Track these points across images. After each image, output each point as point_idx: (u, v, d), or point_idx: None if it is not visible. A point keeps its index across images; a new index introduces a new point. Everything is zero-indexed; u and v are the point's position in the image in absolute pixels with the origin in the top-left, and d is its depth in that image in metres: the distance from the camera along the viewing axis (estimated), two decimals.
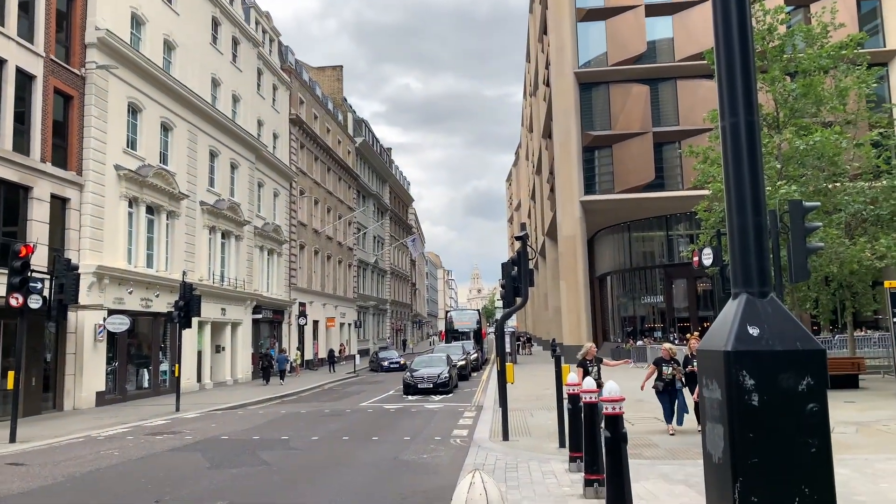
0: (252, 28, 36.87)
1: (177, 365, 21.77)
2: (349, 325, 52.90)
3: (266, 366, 31.46)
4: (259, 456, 11.77)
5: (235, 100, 34.18)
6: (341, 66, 61.57)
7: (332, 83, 59.48)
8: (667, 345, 13.19)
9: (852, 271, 18.86)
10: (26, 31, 20.49)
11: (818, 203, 15.24)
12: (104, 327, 22.09)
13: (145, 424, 17.05)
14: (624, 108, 37.65)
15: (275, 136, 39.51)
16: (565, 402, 9.93)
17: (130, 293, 23.81)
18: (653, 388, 12.35)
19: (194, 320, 22.30)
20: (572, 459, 8.91)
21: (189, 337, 25.93)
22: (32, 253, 15.36)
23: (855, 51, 20.84)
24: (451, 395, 23.46)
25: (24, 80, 20.32)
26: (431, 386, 23.69)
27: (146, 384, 25.47)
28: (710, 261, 15.09)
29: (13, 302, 14.73)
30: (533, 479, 8.66)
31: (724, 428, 3.16)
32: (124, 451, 12.77)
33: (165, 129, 27.50)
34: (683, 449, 10.50)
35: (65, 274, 16.05)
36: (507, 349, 22.97)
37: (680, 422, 12.10)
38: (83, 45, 22.79)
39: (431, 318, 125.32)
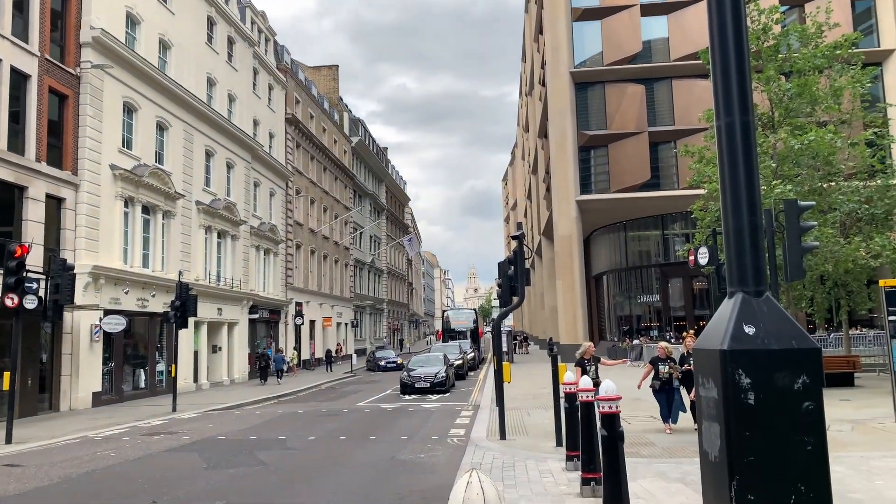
0: (248, 27, 36.81)
1: (173, 365, 21.73)
2: (346, 324, 52.87)
3: (263, 366, 31.43)
4: (256, 456, 11.76)
5: (231, 99, 34.13)
6: (337, 66, 61.53)
7: (328, 83, 59.42)
8: (663, 343, 13.22)
9: (847, 270, 18.94)
10: (21, 30, 20.42)
11: (813, 202, 15.34)
12: (100, 327, 22.04)
13: (142, 425, 17.02)
14: (619, 107, 37.73)
15: (271, 136, 39.46)
16: (562, 400, 9.95)
17: (126, 293, 23.76)
18: (650, 386, 12.38)
19: (190, 320, 22.25)
20: (569, 458, 8.93)
21: (185, 337, 25.89)
22: (28, 253, 15.33)
23: (849, 50, 20.91)
24: (448, 394, 23.48)
25: (19, 79, 20.25)
26: (428, 385, 23.71)
27: (142, 384, 25.42)
28: (706, 260, 15.16)
29: (8, 302, 14.68)
30: (530, 478, 8.68)
31: (720, 426, 3.18)
32: (121, 451, 12.75)
33: (161, 128, 27.44)
34: (680, 447, 10.53)
35: (60, 274, 16.01)
36: (504, 348, 23.00)
37: (675, 419, 12.13)
38: (78, 44, 22.72)
39: (428, 318, 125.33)
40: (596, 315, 45.52)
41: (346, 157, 55.47)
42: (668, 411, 12.15)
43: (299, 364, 39.46)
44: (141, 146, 25.64)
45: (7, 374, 14.84)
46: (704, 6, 3.71)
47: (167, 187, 26.61)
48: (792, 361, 3.15)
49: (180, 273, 23.07)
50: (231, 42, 34.47)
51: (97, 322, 22.01)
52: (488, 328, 60.45)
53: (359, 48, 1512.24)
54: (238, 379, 32.83)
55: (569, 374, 9.71)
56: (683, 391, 12.24)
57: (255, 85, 37.48)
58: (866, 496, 7.22)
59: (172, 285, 22.71)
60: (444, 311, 59.99)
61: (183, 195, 27.99)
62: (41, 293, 17.85)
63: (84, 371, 21.70)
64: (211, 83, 31.96)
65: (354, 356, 42.69)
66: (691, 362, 11.08)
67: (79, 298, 20.60)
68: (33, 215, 20.21)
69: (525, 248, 12.76)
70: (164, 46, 27.99)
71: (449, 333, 47.41)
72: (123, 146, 24.60)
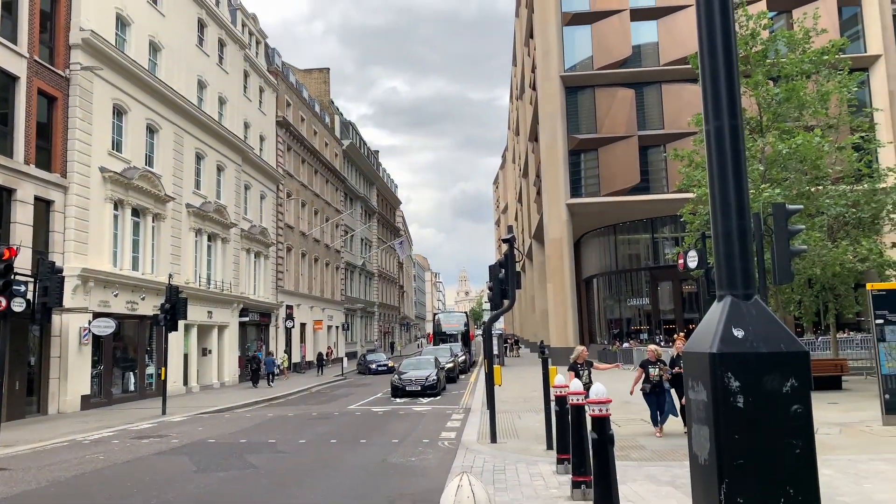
0: (238, 30, 36.72)
1: (163, 368, 21.59)
2: (337, 327, 52.74)
3: (255, 369, 31.32)
4: (246, 459, 11.72)
5: (222, 102, 34.02)
6: (328, 69, 61.43)
7: (319, 85, 59.34)
8: (652, 346, 13.27)
9: (835, 273, 19.08)
10: (9, 31, 20.29)
11: (801, 206, 15.43)
12: (89, 330, 21.89)
13: (131, 428, 16.92)
14: (609, 111, 37.90)
15: (261, 139, 39.36)
16: (553, 404, 9.97)
17: (116, 296, 23.62)
18: (640, 390, 12.41)
19: (180, 323, 22.12)
20: (560, 461, 8.95)
21: (175, 340, 25.74)
22: (16, 255, 15.21)
23: (836, 56, 21.10)
24: (439, 397, 23.47)
25: (8, 81, 20.12)
26: (419, 388, 23.69)
27: (132, 388, 25.25)
28: (695, 263, 15.23)
29: None
30: (521, 482, 8.69)
31: (709, 429, 3.20)
32: (110, 455, 12.67)
33: (151, 131, 27.32)
34: (670, 450, 10.57)
35: (49, 276, 15.90)
36: (495, 351, 23.02)
37: (663, 421, 12.17)
38: (67, 46, 22.59)
39: (419, 321, 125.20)
40: (586, 318, 45.65)
41: (337, 159, 55.40)
42: (658, 415, 12.19)
43: (290, 367, 39.33)
44: (131, 149, 25.51)
45: None
46: (693, 11, 3.74)
47: (157, 190, 26.48)
48: (780, 364, 3.17)
49: (170, 276, 22.96)
50: (222, 44, 34.38)
51: (86, 325, 21.86)
52: (479, 331, 60.46)
53: (350, 51, 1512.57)
54: (228, 382, 32.68)
55: (559, 377, 9.74)
56: (675, 394, 12.28)
57: (245, 87, 37.39)
58: (854, 499, 7.28)
59: (162, 288, 22.59)
60: (435, 315, 59.93)
61: (173, 198, 27.87)
62: (29, 296, 17.72)
63: (73, 374, 21.54)
64: (201, 85, 31.85)
65: (345, 359, 42.59)
66: (682, 364, 11.13)
67: (67, 301, 20.46)
68: (22, 218, 20.06)
69: (516, 252, 12.78)
70: (154, 48, 27.87)
71: (440, 336, 47.40)
72: (113, 148, 24.47)
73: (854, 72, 22.93)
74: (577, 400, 7.54)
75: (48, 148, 21.63)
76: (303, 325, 44.88)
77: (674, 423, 12.22)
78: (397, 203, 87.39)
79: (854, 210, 19.92)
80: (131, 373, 25.44)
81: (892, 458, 9.34)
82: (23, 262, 19.31)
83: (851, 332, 29.76)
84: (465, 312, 61.27)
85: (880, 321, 12.45)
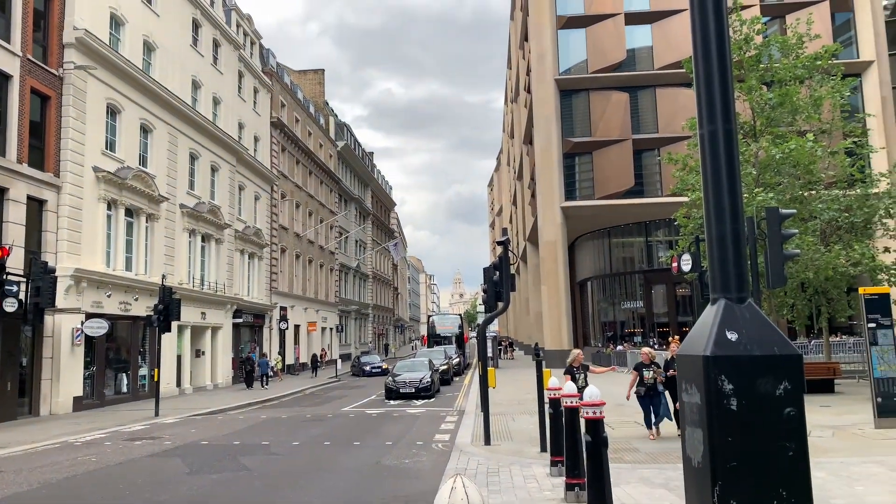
0: (233, 30, 36.67)
1: (156, 369, 21.49)
2: (331, 329, 52.65)
3: (249, 370, 31.23)
4: (240, 461, 11.68)
5: (216, 102, 33.96)
6: (323, 70, 61.39)
7: (314, 87, 59.30)
8: (646, 349, 13.29)
9: (827, 277, 19.17)
10: (3, 30, 20.21)
11: (794, 210, 15.49)
12: (82, 331, 21.78)
13: (124, 430, 16.84)
14: (604, 115, 38.01)
15: (256, 139, 39.30)
16: (546, 406, 9.98)
17: (109, 296, 23.52)
18: (634, 393, 12.43)
19: (174, 324, 22.06)
20: (553, 464, 8.96)
21: (168, 341, 25.65)
22: (8, 255, 15.16)
23: (829, 61, 21.23)
24: (433, 399, 23.46)
25: (1, 79, 20.03)
26: (413, 390, 23.67)
27: (125, 389, 25.14)
28: (689, 266, 15.27)
29: None
30: (514, 484, 8.70)
31: (703, 432, 3.21)
32: (102, 456, 12.61)
33: (145, 130, 27.24)
34: (664, 453, 10.60)
35: (41, 277, 15.86)
36: (489, 354, 23.03)
37: (657, 423, 12.18)
38: (61, 44, 22.51)
39: (414, 323, 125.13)
40: (580, 321, 45.74)
41: (331, 161, 55.35)
42: (652, 418, 12.21)
43: (283, 369, 39.24)
44: (124, 148, 25.43)
45: None
46: (688, 16, 3.76)
47: (151, 190, 26.40)
48: (774, 367, 3.19)
49: (164, 276, 22.88)
50: (216, 45, 34.32)
51: (79, 325, 21.75)
52: (473, 333, 60.45)
53: (345, 52, 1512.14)
54: (222, 384, 32.57)
55: (553, 379, 9.75)
56: (669, 398, 12.29)
57: (240, 88, 37.33)
58: (847, 501, 7.31)
59: (156, 289, 22.50)
60: (429, 317, 59.88)
61: (167, 198, 27.78)
62: (21, 296, 17.66)
63: (65, 375, 21.43)
64: (196, 86, 31.78)
65: (339, 361, 42.50)
66: (676, 367, 11.15)
67: (60, 301, 20.40)
68: (14, 217, 19.96)
69: (510, 254, 12.80)
70: (148, 48, 27.80)
71: (434, 339, 47.32)
72: (107, 148, 24.39)
73: (847, 77, 23.08)
74: (571, 402, 7.55)
75: (41, 147, 21.54)
76: (297, 327, 44.79)
77: (668, 426, 12.25)
78: (392, 205, 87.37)
79: (847, 215, 20.03)
80: (124, 374, 25.33)
81: (885, 461, 9.38)
82: (15, 262, 19.23)
83: (844, 336, 29.92)
84: (460, 315, 61.21)
85: (872, 325, 12.53)
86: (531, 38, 39.99)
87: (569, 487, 7.46)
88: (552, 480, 8.66)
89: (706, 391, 3.19)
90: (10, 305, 14.83)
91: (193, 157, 31.17)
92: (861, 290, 13.00)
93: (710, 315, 3.41)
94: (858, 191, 20.66)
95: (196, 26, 32.10)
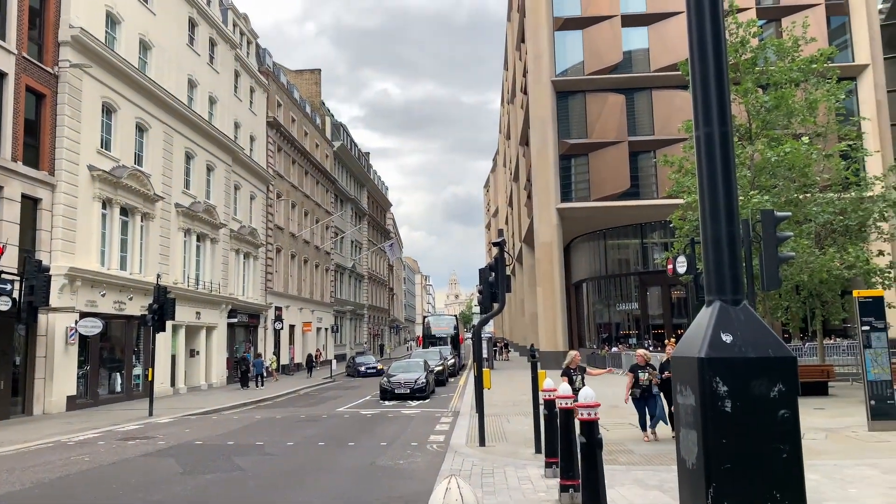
0: (230, 30, 36.60)
1: (150, 369, 21.42)
2: (326, 329, 52.57)
3: (244, 370, 31.16)
4: (234, 461, 11.65)
5: (212, 101, 33.89)
6: (319, 70, 61.34)
7: (311, 87, 59.24)
8: (641, 351, 13.30)
9: (822, 280, 19.23)
10: None
11: (789, 213, 15.56)
12: (76, 330, 21.70)
13: (117, 429, 16.78)
14: (600, 116, 38.07)
15: (252, 139, 39.23)
16: (541, 407, 9.99)
17: (103, 296, 23.44)
18: (630, 395, 12.43)
19: (168, 324, 21.99)
20: (548, 465, 8.96)
21: (163, 341, 25.57)
22: (2, 254, 15.09)
23: (825, 65, 21.31)
24: (428, 400, 23.44)
25: None
26: (408, 391, 23.64)
27: (119, 388, 25.05)
28: (684, 269, 15.32)
29: None
30: (509, 485, 8.70)
31: (697, 434, 3.22)
32: (95, 456, 12.56)
33: (140, 129, 27.16)
34: (658, 455, 10.61)
35: (35, 275, 15.79)
36: (485, 355, 23.03)
37: (654, 426, 12.19)
38: (56, 43, 22.43)
39: (409, 324, 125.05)
40: (575, 322, 45.77)
41: (327, 161, 55.30)
42: (648, 420, 12.21)
43: (278, 369, 39.18)
44: (120, 147, 25.35)
45: None
46: (684, 18, 3.77)
47: (146, 189, 26.32)
48: (768, 369, 3.20)
49: (158, 276, 22.79)
50: (213, 44, 34.26)
51: (73, 325, 21.67)
52: (469, 334, 60.45)
53: (341, 53, 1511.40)
54: (216, 383, 32.49)
55: (548, 380, 9.75)
56: (665, 400, 12.28)
57: (236, 87, 37.26)
58: None
59: (150, 288, 22.44)
60: (424, 317, 59.89)
61: (162, 197, 27.71)
62: (15, 294, 17.58)
63: (59, 374, 21.34)
64: (192, 85, 31.72)
65: (334, 361, 42.45)
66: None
67: (54, 300, 20.31)
68: (8, 215, 19.87)
69: (506, 255, 12.80)
70: (144, 47, 27.73)
71: (429, 339, 47.34)
72: (102, 147, 24.31)
73: (842, 81, 23.16)
74: (566, 404, 7.56)
75: (36, 145, 21.46)
76: (292, 327, 44.72)
77: (663, 428, 12.25)
78: (388, 205, 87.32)
79: (841, 218, 20.09)
80: (118, 373, 25.24)
81: (878, 464, 9.41)
82: (9, 261, 19.16)
83: (838, 339, 30.02)
84: (455, 315, 61.27)
85: (866, 328, 12.57)
86: (528, 39, 40.03)
87: (563, 489, 7.46)
88: (547, 482, 8.66)
89: (701, 393, 3.19)
90: (4, 304, 14.78)
91: (189, 157, 31.10)
92: (855, 293, 13.04)
93: (705, 317, 3.42)
94: (853, 194, 20.74)
95: (192, 25, 32.04)
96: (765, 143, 19.94)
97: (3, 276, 15.57)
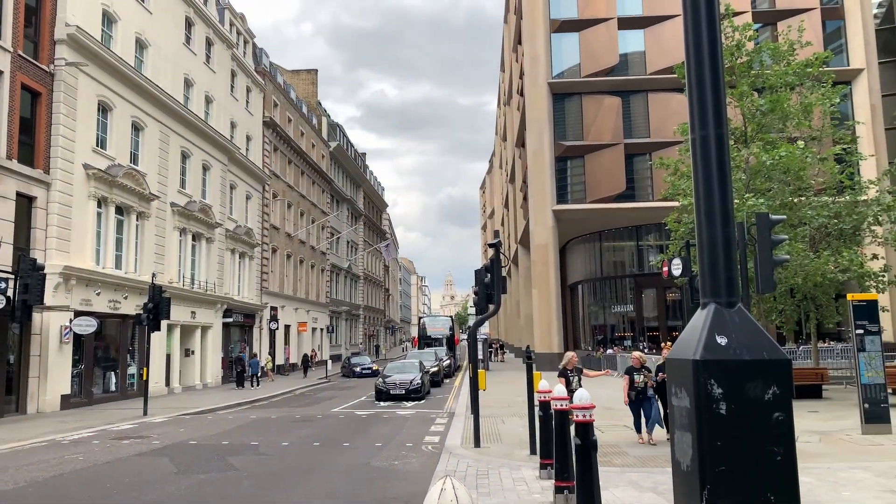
0: (226, 29, 36.55)
1: (145, 368, 21.37)
2: (321, 330, 52.50)
3: (240, 370, 31.09)
4: (228, 461, 11.63)
5: (208, 101, 33.83)
6: (316, 70, 61.25)
7: (307, 87, 59.16)
8: (636, 353, 13.32)
9: (816, 283, 19.30)
10: None
11: (784, 216, 15.57)
12: (70, 329, 21.63)
13: (112, 429, 16.73)
14: (596, 119, 38.14)
15: (248, 139, 39.18)
16: (536, 409, 10.00)
17: (98, 294, 23.37)
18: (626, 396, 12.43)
19: (163, 323, 21.95)
20: (543, 466, 8.97)
21: (158, 340, 25.50)
22: None
23: (820, 69, 21.39)
24: (423, 401, 23.44)
25: None
26: (404, 392, 23.63)
27: (113, 388, 24.98)
28: (680, 271, 15.33)
29: None
30: (504, 486, 8.70)
31: (692, 436, 3.23)
32: (89, 455, 12.52)
33: (136, 128, 27.10)
34: (652, 457, 10.63)
35: (30, 274, 15.74)
36: (480, 356, 23.00)
37: (650, 429, 12.19)
38: (52, 41, 22.37)
39: (404, 324, 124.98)
40: (571, 324, 45.81)
41: (323, 161, 55.25)
42: (643, 422, 12.21)
43: (274, 369, 39.12)
44: (115, 146, 25.29)
45: None
46: (681, 21, 3.79)
47: (141, 188, 26.26)
48: (763, 372, 3.21)
49: (153, 275, 22.75)
50: (209, 43, 34.21)
51: (67, 323, 21.60)
52: (464, 335, 60.47)
53: (338, 53, 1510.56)
54: (211, 383, 32.42)
55: (544, 382, 9.76)
56: (660, 403, 12.28)
57: (232, 87, 37.21)
58: None
59: (145, 287, 22.38)
60: (420, 318, 59.84)
61: (158, 196, 27.65)
62: (10, 293, 17.53)
63: (53, 373, 21.26)
64: (188, 84, 31.66)
65: (329, 362, 42.39)
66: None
67: (48, 299, 20.25)
68: (3, 214, 19.81)
69: (502, 257, 12.81)
70: (140, 46, 27.67)
71: (425, 340, 47.32)
72: (97, 146, 24.24)
73: (837, 85, 23.28)
74: (561, 405, 7.57)
75: (31, 143, 21.39)
76: (287, 327, 44.66)
77: (660, 432, 12.26)
78: (384, 206, 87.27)
79: (836, 221, 20.17)
80: (112, 373, 25.17)
81: (871, 467, 9.45)
82: (3, 259, 19.11)
83: (832, 342, 30.07)
84: (451, 317, 61.23)
85: (860, 331, 12.61)
86: (524, 41, 40.07)
87: (558, 490, 7.47)
88: (541, 483, 8.67)
89: (696, 395, 3.21)
90: None
91: (185, 156, 31.04)
92: (849, 297, 13.09)
93: (700, 319, 3.43)
94: (847, 198, 20.82)
95: (189, 24, 31.99)
96: (760, 147, 20.00)
97: None
